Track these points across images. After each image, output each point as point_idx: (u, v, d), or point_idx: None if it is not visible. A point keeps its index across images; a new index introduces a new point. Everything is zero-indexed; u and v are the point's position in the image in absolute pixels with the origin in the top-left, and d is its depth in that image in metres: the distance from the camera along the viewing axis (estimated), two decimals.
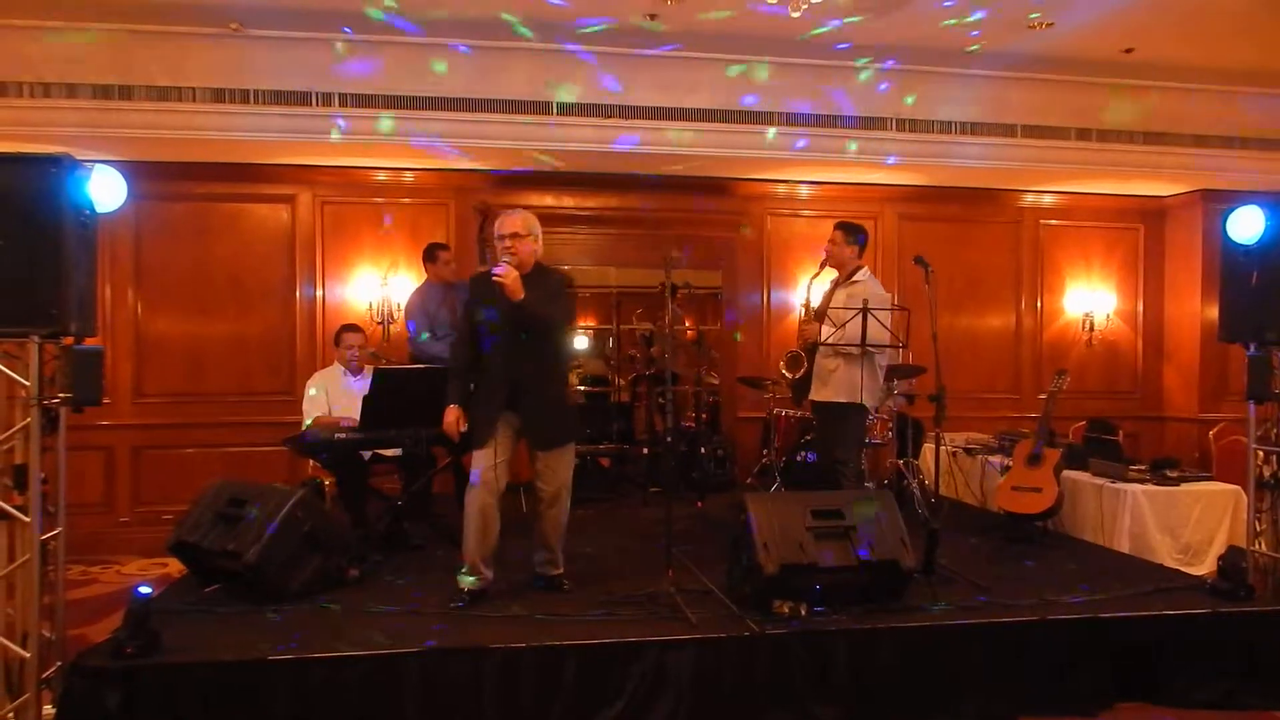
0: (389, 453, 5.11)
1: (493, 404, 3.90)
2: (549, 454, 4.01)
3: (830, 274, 5.15)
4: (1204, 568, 4.96)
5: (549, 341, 3.97)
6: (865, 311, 4.59)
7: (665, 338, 4.84)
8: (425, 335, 5.73)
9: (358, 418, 4.75)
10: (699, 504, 6.17)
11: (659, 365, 7.40)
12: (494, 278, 3.76)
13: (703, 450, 6.86)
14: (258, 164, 6.57)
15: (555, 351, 4.05)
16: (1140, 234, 7.98)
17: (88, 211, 3.23)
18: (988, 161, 6.75)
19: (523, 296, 3.78)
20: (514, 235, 3.91)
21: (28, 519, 3.11)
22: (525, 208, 6.41)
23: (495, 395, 3.90)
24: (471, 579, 3.90)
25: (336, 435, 4.76)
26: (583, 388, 8.81)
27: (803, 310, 5.23)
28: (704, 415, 7.83)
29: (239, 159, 6.45)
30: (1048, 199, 7.82)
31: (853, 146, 6.49)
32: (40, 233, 3.04)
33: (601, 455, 7.46)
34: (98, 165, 3.32)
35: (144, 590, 3.30)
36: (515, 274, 3.78)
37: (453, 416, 3.99)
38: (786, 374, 5.07)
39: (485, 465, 3.89)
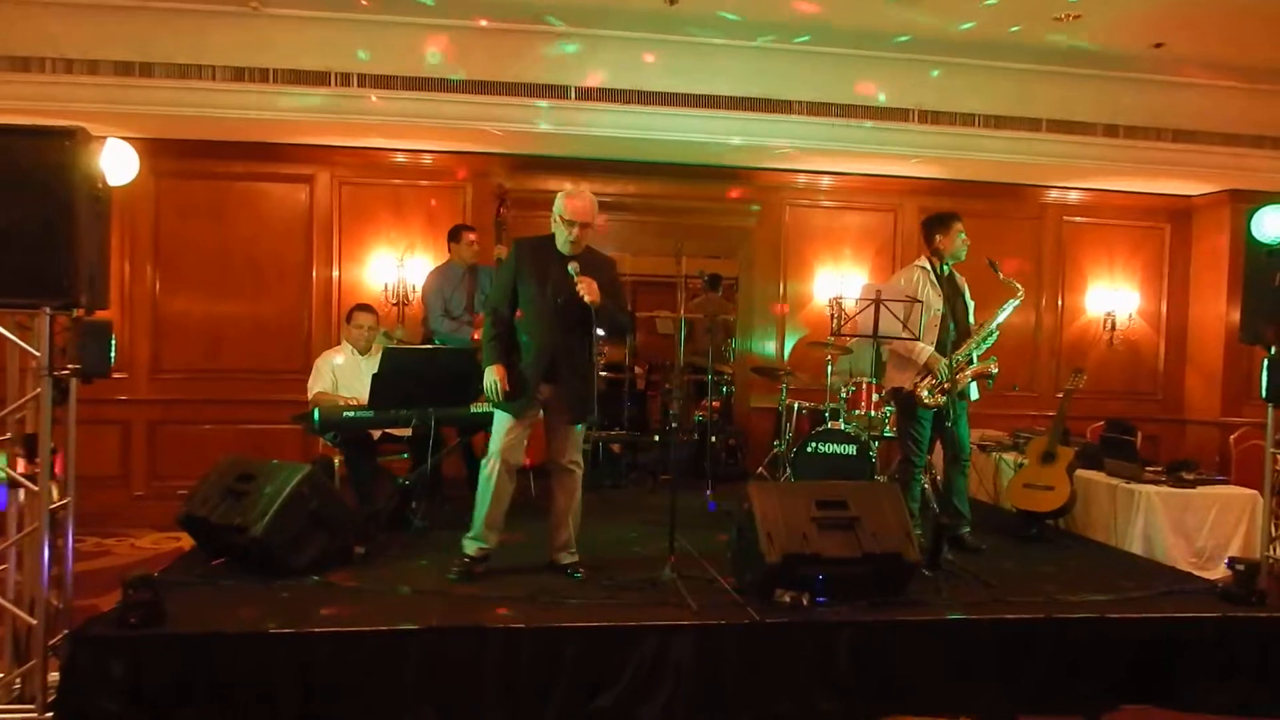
0: (399, 432, 5.13)
1: (533, 375, 3.90)
2: (575, 429, 4.03)
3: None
4: (1219, 572, 4.87)
5: (591, 317, 3.94)
6: (878, 303, 4.55)
7: (676, 325, 4.80)
8: (440, 316, 5.73)
9: (367, 397, 4.77)
10: (708, 493, 6.16)
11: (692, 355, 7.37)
12: (579, 289, 3.77)
13: (714, 440, 6.83)
14: (276, 144, 6.61)
15: (592, 327, 4.01)
16: (1166, 233, 7.88)
17: (100, 185, 3.26)
18: (1011, 156, 6.68)
19: (600, 301, 3.80)
20: (585, 225, 3.90)
21: (37, 488, 3.15)
22: (541, 192, 6.48)
23: (536, 367, 3.90)
24: (476, 544, 3.95)
25: (344, 414, 4.78)
26: (605, 374, 8.79)
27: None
28: (716, 404, 7.80)
29: (258, 138, 6.49)
30: (1072, 195, 7.73)
31: (873, 137, 6.43)
32: (53, 205, 3.06)
33: (613, 442, 7.45)
34: (110, 139, 3.34)
35: None
36: (596, 286, 3.80)
37: (499, 374, 3.89)
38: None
39: (512, 435, 3.93)
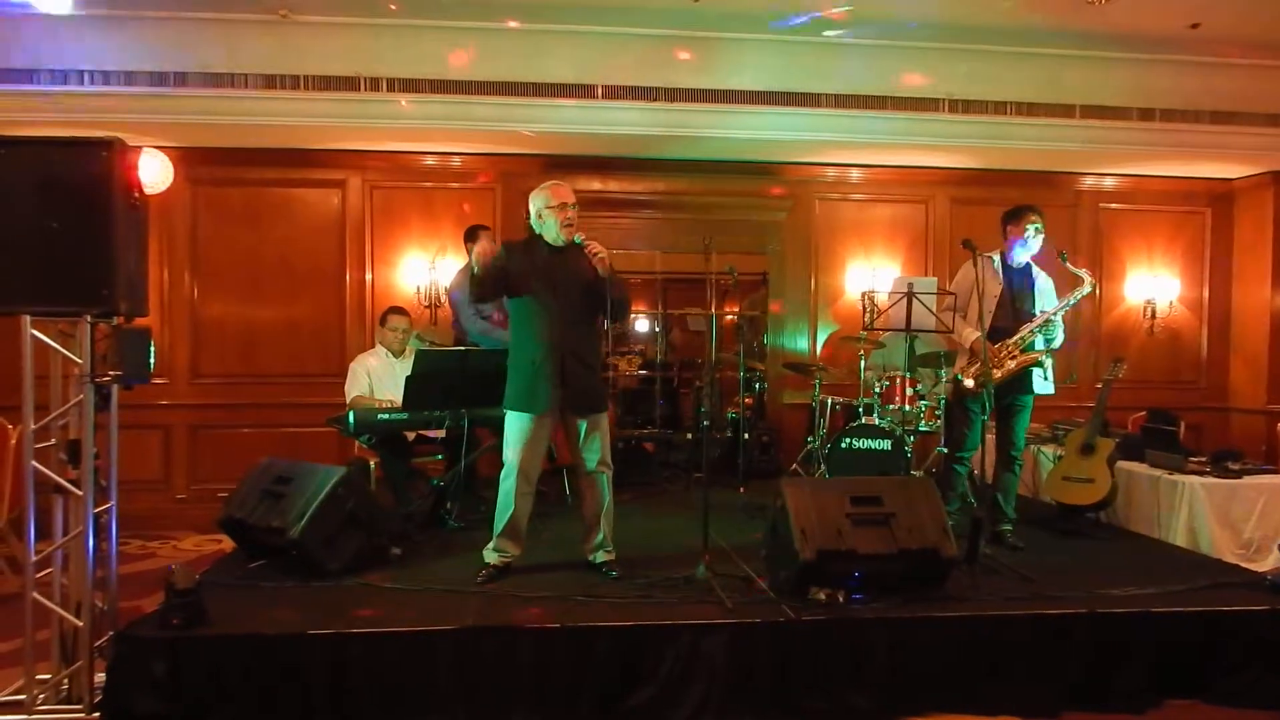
0: (433, 433, 5.17)
1: (546, 377, 3.86)
2: (592, 420, 3.99)
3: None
4: (1268, 564, 4.77)
5: (593, 309, 3.96)
6: (910, 296, 4.50)
7: (707, 322, 4.78)
8: (472, 315, 5.75)
9: (401, 399, 4.81)
10: (741, 490, 6.14)
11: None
12: (591, 253, 3.78)
13: (747, 436, 6.81)
14: (309, 149, 6.69)
15: (595, 318, 4.04)
16: (1206, 217, 7.70)
17: (137, 194, 3.31)
18: (1044, 143, 6.56)
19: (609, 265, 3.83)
20: (574, 205, 3.91)
21: (81, 493, 3.22)
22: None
23: (546, 369, 3.86)
24: (497, 554, 3.98)
25: (379, 416, 4.82)
26: (643, 372, 8.79)
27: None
28: (749, 401, 7.76)
29: (290, 144, 6.57)
30: (1108, 181, 7.58)
31: (902, 129, 6.35)
32: (92, 215, 3.11)
33: (646, 440, 7.46)
34: (146, 149, 3.40)
35: None
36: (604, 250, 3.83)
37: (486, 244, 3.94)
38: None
39: (530, 446, 3.91)
